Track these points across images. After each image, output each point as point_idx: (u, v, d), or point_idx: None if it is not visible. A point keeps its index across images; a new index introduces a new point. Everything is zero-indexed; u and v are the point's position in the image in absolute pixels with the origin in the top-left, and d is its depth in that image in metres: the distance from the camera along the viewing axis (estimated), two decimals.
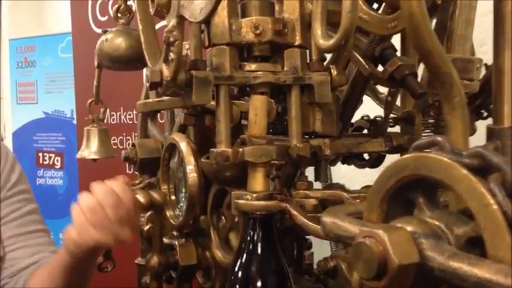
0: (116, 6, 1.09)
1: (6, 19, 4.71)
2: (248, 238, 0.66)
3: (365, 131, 0.95)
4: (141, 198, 0.93)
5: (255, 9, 0.71)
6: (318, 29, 0.60)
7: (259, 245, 0.66)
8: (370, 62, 0.75)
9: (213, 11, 0.59)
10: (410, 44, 0.78)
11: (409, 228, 0.37)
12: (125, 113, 2.27)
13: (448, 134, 0.44)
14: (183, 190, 0.88)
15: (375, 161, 0.94)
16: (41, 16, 4.50)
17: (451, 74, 0.42)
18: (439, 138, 0.32)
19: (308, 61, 0.74)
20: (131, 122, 2.22)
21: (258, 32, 0.69)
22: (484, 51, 1.14)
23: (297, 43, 0.72)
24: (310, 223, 0.62)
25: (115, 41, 1.04)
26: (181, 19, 0.64)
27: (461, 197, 0.31)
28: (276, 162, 0.67)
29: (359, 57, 0.75)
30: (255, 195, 0.67)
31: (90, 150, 1.16)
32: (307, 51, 0.74)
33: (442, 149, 0.31)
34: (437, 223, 0.34)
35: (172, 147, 0.90)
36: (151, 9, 0.67)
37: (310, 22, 0.72)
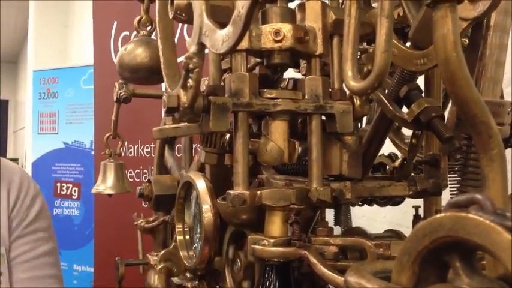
0: (138, 17, 1.09)
1: (31, 51, 4.84)
2: (264, 287, 0.63)
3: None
4: None
5: (276, 16, 0.69)
6: (348, 70, 0.56)
7: None
8: (394, 103, 0.72)
9: (236, 45, 0.56)
10: (435, 85, 0.76)
11: None
12: (142, 146, 2.27)
13: (485, 188, 0.41)
14: (198, 230, 0.85)
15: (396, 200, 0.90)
16: (64, 48, 4.60)
17: (489, 124, 0.39)
18: (479, 196, 0.28)
19: (330, 89, 0.71)
20: (148, 156, 2.22)
21: (278, 38, 0.66)
22: (510, 93, 1.11)
23: (318, 52, 0.69)
24: (330, 273, 0.58)
25: (135, 51, 1.03)
26: (202, 46, 0.62)
27: (504, 265, 0.27)
28: (295, 206, 0.64)
29: (383, 97, 0.72)
30: (272, 240, 0.63)
31: (105, 185, 1.15)
32: (329, 79, 0.72)
33: (483, 209, 0.28)
34: None
35: (189, 185, 0.88)
36: (170, 13, 0.64)
37: (332, 32, 0.70)
